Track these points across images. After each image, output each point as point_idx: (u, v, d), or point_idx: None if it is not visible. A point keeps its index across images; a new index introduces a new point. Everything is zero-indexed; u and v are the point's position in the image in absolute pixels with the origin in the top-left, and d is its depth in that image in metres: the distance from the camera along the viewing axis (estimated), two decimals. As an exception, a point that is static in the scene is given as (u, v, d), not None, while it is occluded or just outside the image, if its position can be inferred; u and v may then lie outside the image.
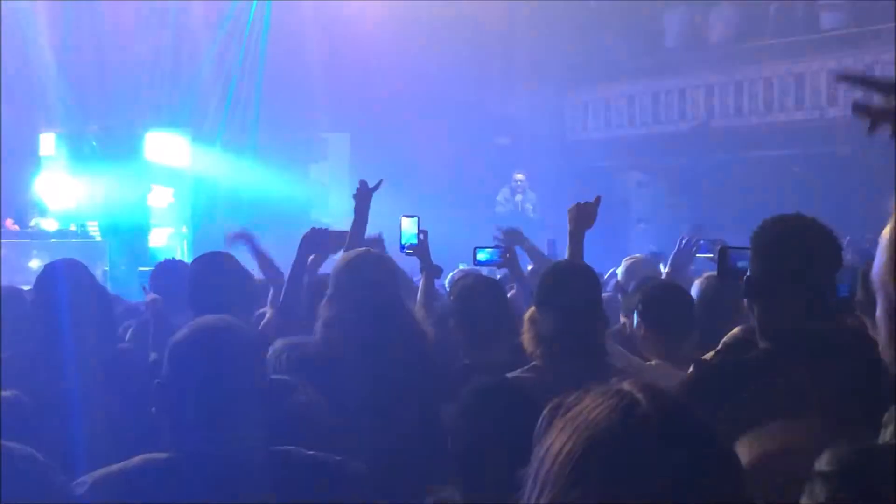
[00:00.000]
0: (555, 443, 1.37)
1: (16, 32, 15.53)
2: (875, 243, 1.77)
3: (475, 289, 4.65)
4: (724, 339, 3.80)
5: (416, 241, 5.52)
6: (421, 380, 4.01)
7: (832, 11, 16.41)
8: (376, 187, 5.49)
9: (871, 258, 1.74)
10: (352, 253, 4.33)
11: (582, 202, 5.07)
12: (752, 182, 15.44)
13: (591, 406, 1.37)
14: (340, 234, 5.45)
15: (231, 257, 4.97)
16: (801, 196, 15.07)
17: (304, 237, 5.28)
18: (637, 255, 7.15)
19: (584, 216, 5.04)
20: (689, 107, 17.88)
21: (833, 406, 2.76)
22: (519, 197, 16.28)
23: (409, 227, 5.54)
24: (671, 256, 6.29)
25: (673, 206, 17.12)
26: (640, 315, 4.67)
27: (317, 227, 5.45)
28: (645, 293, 4.83)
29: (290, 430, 2.98)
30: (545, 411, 1.51)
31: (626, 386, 1.39)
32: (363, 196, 5.44)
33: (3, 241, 14.64)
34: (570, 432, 1.36)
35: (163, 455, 2.64)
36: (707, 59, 17.59)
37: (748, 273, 3.04)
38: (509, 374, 3.85)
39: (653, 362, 4.47)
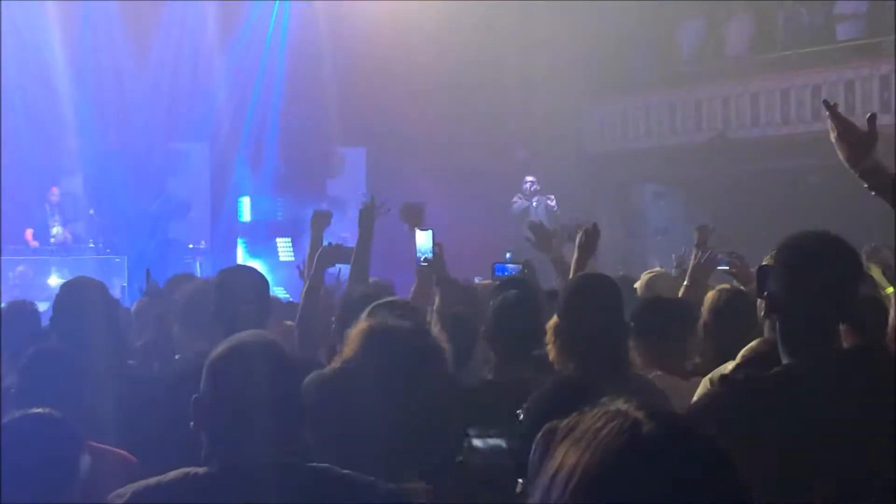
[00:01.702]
0: (563, 466, 1.39)
1: (30, 43, 15.67)
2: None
3: (514, 306, 4.60)
4: (743, 352, 3.79)
5: (431, 254, 5.55)
6: (445, 405, 3.99)
7: (848, 22, 16.39)
8: (380, 212, 5.59)
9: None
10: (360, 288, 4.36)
11: (587, 230, 5.19)
12: (769, 193, 15.42)
13: (595, 427, 1.40)
14: (350, 249, 5.55)
15: (255, 270, 5.05)
16: (818, 207, 15.04)
17: (320, 252, 5.38)
18: (657, 268, 7.13)
19: (590, 244, 5.16)
20: (706, 118, 17.86)
21: (856, 424, 2.77)
22: (535, 199, 16.25)
23: (423, 240, 5.59)
24: (689, 269, 6.27)
25: (690, 217, 17.10)
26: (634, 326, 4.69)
27: (332, 242, 5.56)
28: (637, 304, 4.87)
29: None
30: (538, 437, 1.54)
31: (622, 406, 1.42)
32: (367, 215, 5.56)
33: (23, 257, 14.76)
34: (577, 455, 1.38)
35: (201, 469, 2.67)
36: (723, 71, 17.59)
37: (770, 289, 3.04)
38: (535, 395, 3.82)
39: (657, 373, 4.48)
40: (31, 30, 15.67)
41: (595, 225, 5.37)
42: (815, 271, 2.98)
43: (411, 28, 17.01)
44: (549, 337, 3.96)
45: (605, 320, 3.85)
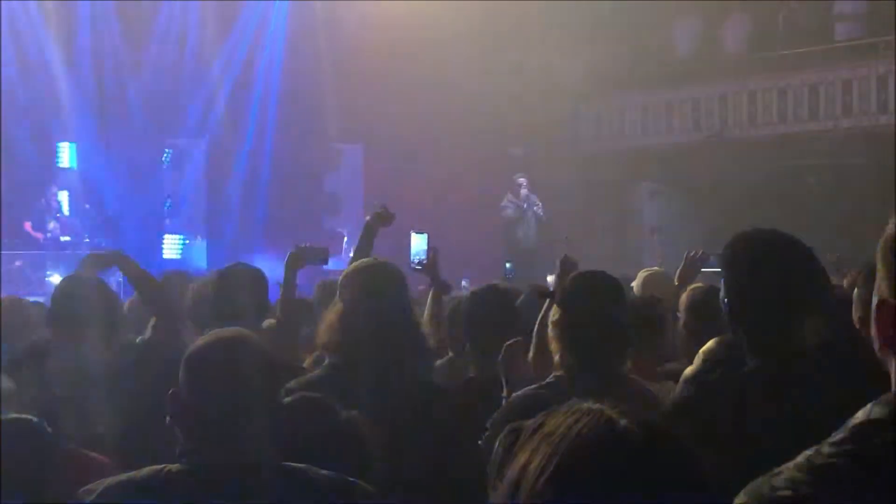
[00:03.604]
0: (532, 460, 1.41)
1: (28, 40, 15.65)
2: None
3: (488, 302, 4.60)
4: (701, 352, 3.74)
5: (425, 258, 5.53)
6: (427, 397, 3.99)
7: (846, 21, 16.40)
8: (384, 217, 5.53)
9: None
10: (360, 264, 4.31)
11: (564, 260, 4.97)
12: (765, 193, 15.41)
13: (568, 422, 1.42)
14: (321, 249, 5.55)
15: (255, 268, 5.05)
16: (815, 207, 15.04)
17: (290, 255, 5.40)
18: (654, 267, 7.10)
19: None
20: (703, 117, 17.86)
21: (827, 423, 2.75)
22: (524, 193, 16.21)
23: (418, 243, 5.57)
24: (679, 270, 6.27)
25: (686, 216, 17.11)
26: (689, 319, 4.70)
27: (299, 245, 5.55)
28: (694, 298, 4.84)
29: (331, 447, 3.00)
30: (502, 436, 1.55)
31: (593, 406, 1.45)
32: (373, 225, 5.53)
33: (20, 252, 14.74)
34: (551, 448, 1.40)
35: (175, 465, 2.63)
36: (721, 70, 17.58)
37: (725, 292, 3.02)
38: (520, 392, 3.82)
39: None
40: (30, 26, 15.65)
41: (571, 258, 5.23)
42: (767, 270, 2.95)
43: (408, 26, 16.99)
44: (552, 331, 3.94)
45: (606, 316, 3.83)
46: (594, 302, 3.84)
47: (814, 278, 2.98)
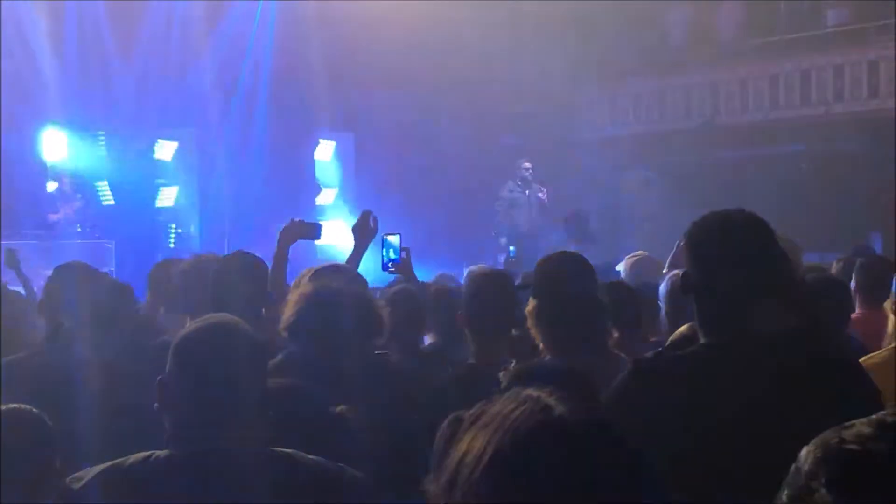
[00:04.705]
0: (471, 448, 1.40)
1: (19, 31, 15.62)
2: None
3: (488, 289, 4.61)
4: (672, 336, 3.79)
5: (398, 259, 5.61)
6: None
7: (837, 8, 16.42)
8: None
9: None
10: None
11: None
12: (758, 179, 15.43)
13: (504, 411, 1.42)
14: (314, 224, 5.62)
15: (253, 256, 5.06)
16: (807, 193, 15.07)
17: (283, 229, 5.45)
18: (640, 252, 7.09)
19: None
20: (695, 104, 17.87)
21: (767, 403, 2.74)
22: (528, 178, 16.16)
23: (391, 245, 5.65)
24: (669, 257, 6.28)
25: (679, 204, 17.11)
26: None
27: (294, 219, 5.62)
28: (673, 284, 4.86)
29: (318, 435, 3.02)
30: (444, 425, 1.55)
31: (532, 393, 1.45)
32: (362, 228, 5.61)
33: (16, 242, 14.71)
34: (487, 437, 1.40)
35: (162, 452, 2.63)
36: (713, 57, 17.58)
37: (684, 270, 3.04)
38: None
39: None
40: (20, 18, 15.62)
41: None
42: (720, 250, 2.94)
43: (400, 14, 16.96)
44: (530, 321, 3.97)
45: (578, 298, 3.88)
46: (562, 282, 3.89)
47: (772, 261, 2.95)
